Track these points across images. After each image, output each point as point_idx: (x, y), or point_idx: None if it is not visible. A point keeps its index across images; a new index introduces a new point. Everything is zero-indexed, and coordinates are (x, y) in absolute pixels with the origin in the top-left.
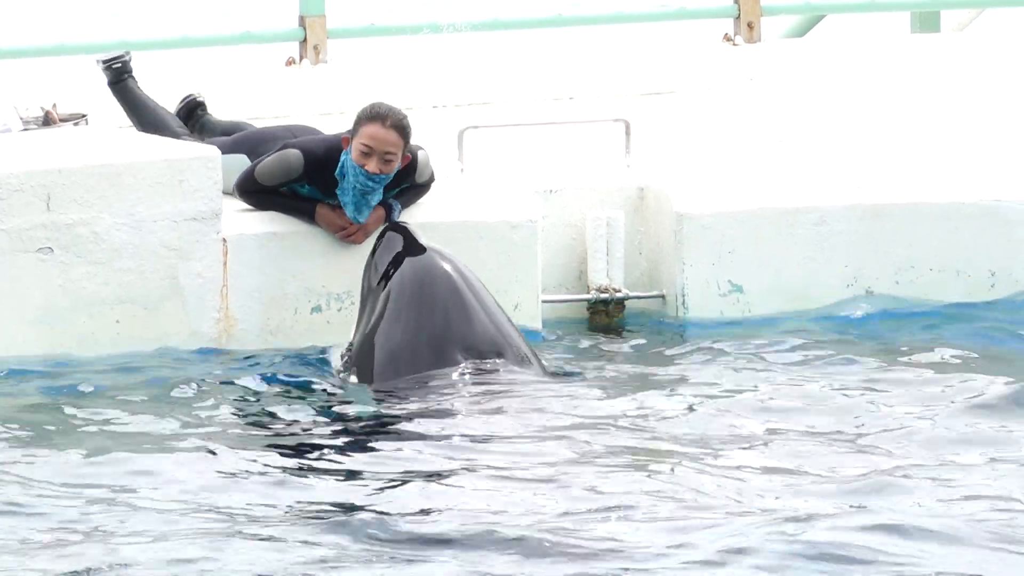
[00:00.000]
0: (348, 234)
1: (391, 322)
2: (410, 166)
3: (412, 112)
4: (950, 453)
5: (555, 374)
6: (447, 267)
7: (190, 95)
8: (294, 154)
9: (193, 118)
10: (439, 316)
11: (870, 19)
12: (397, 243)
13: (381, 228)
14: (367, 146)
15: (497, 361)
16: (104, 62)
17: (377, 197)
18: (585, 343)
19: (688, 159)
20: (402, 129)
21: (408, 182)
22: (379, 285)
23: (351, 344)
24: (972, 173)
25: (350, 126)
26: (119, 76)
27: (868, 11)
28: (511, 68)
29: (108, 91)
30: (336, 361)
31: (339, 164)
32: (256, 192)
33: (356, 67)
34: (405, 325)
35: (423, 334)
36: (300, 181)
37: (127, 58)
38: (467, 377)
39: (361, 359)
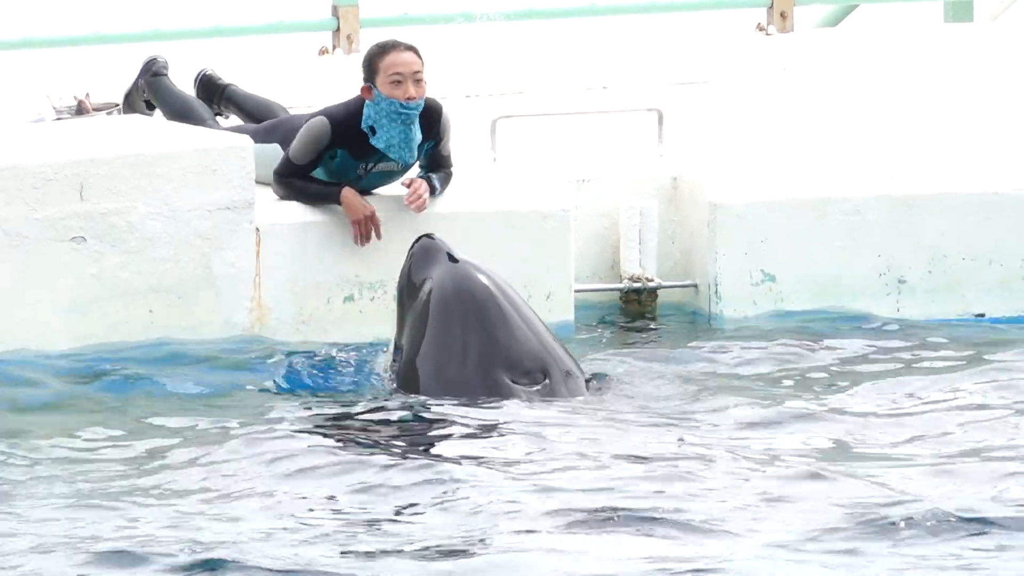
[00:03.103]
0: (361, 230)
1: (434, 342)
2: (434, 114)
3: (446, 101)
4: (992, 445)
5: (598, 387)
6: (486, 283)
7: (200, 72)
8: (318, 120)
9: (214, 91)
10: (482, 334)
11: (903, 8)
12: (431, 258)
13: (414, 240)
14: (397, 74)
15: (542, 379)
16: (142, 73)
17: (417, 132)
18: (618, 333)
19: (721, 149)
20: (416, 49)
21: (435, 132)
22: (417, 300)
23: (395, 348)
24: (1004, 162)
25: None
26: (154, 75)
27: (901, 0)
28: (544, 57)
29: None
30: (382, 365)
31: (363, 118)
32: (290, 176)
33: None
34: (449, 345)
35: (467, 353)
36: (332, 148)
37: (161, 60)
38: (511, 398)
39: (406, 373)
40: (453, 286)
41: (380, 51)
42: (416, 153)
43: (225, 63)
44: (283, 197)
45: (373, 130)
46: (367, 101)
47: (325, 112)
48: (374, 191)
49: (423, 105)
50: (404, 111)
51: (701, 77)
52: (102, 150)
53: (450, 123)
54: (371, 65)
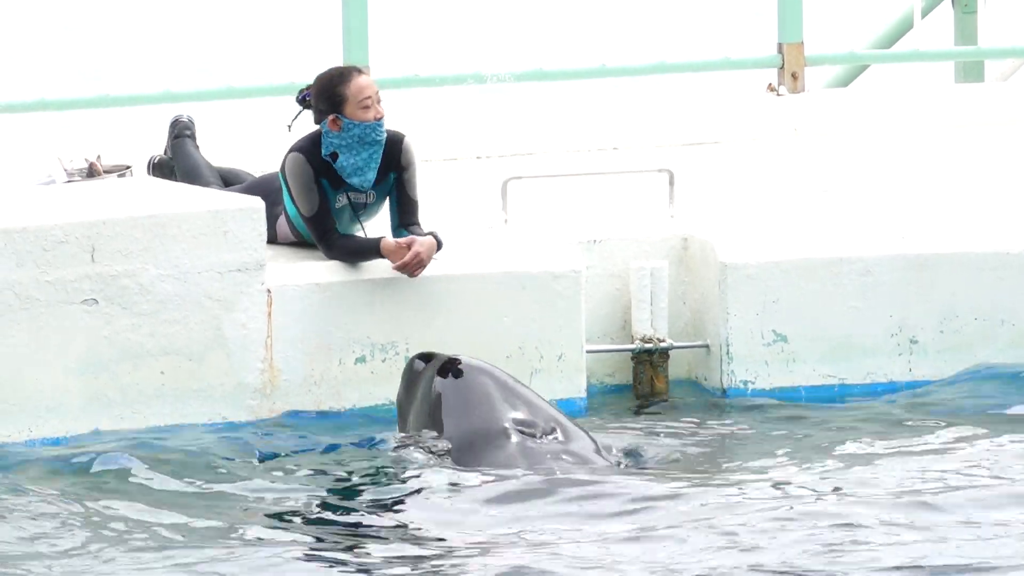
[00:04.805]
0: (405, 265)
1: (447, 423)
2: (396, 143)
3: (456, 162)
4: (1000, 511)
5: (607, 446)
6: (492, 370)
7: (176, 118)
8: (291, 158)
9: (179, 139)
10: (492, 394)
11: (914, 69)
12: (430, 357)
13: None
14: (367, 98)
15: (552, 432)
16: (172, 127)
17: (379, 154)
18: (630, 393)
19: (732, 209)
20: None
21: (396, 163)
22: (421, 385)
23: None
24: (1016, 223)
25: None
26: (176, 137)
27: (912, 61)
28: (555, 118)
29: (152, 143)
30: (392, 434)
31: (323, 147)
32: (325, 232)
33: (399, 117)
34: (461, 422)
35: (478, 411)
36: (316, 178)
37: (185, 119)
38: (524, 457)
39: (416, 432)
40: (459, 361)
41: (341, 79)
42: (374, 176)
43: (236, 123)
44: (331, 258)
45: (335, 156)
46: (329, 132)
47: (292, 148)
48: (363, 225)
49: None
50: (377, 131)
51: (712, 137)
52: (113, 212)
53: (414, 154)
54: (334, 95)
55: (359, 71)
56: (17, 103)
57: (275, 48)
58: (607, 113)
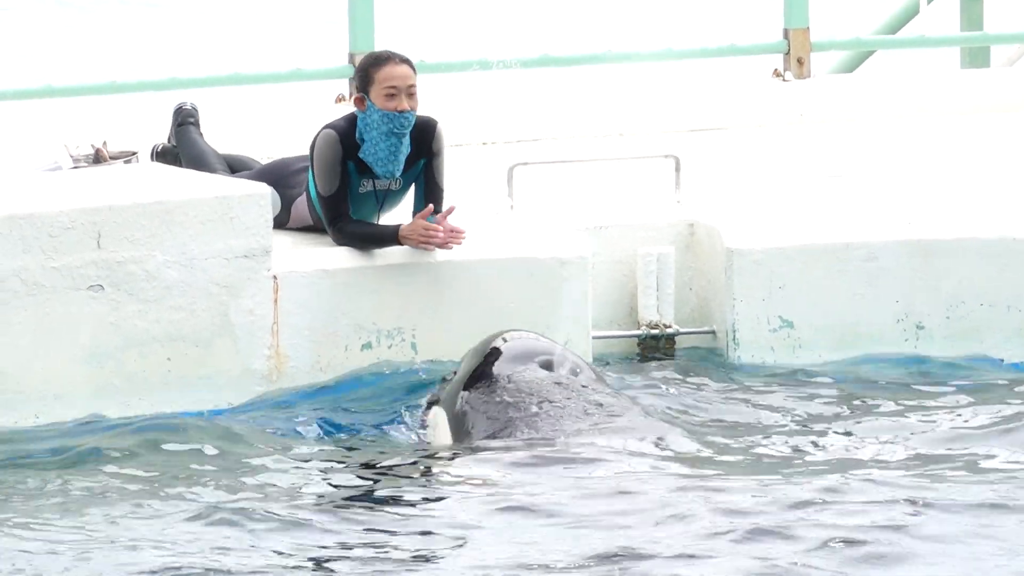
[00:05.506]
0: (430, 238)
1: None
2: (428, 129)
3: (461, 149)
4: (1007, 493)
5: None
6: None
7: (180, 105)
8: (324, 134)
9: (183, 127)
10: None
11: (920, 54)
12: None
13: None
14: (391, 87)
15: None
16: (176, 114)
17: (406, 146)
18: (637, 379)
19: (738, 195)
20: (410, 62)
21: (428, 149)
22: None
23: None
24: (1022, 208)
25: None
26: (180, 125)
27: (918, 46)
28: (561, 105)
29: (158, 129)
30: (410, 414)
31: (357, 129)
32: (338, 216)
33: None
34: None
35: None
36: (344, 160)
37: (188, 107)
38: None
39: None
40: (511, 335)
41: (375, 62)
42: (401, 167)
43: (242, 109)
44: (340, 243)
45: (364, 141)
46: (359, 112)
47: (327, 126)
48: (383, 214)
49: (414, 120)
50: (396, 122)
51: (718, 123)
52: (119, 198)
53: (445, 140)
54: (365, 76)
55: (400, 60)
56: (23, 89)
57: (281, 35)
58: (613, 99)
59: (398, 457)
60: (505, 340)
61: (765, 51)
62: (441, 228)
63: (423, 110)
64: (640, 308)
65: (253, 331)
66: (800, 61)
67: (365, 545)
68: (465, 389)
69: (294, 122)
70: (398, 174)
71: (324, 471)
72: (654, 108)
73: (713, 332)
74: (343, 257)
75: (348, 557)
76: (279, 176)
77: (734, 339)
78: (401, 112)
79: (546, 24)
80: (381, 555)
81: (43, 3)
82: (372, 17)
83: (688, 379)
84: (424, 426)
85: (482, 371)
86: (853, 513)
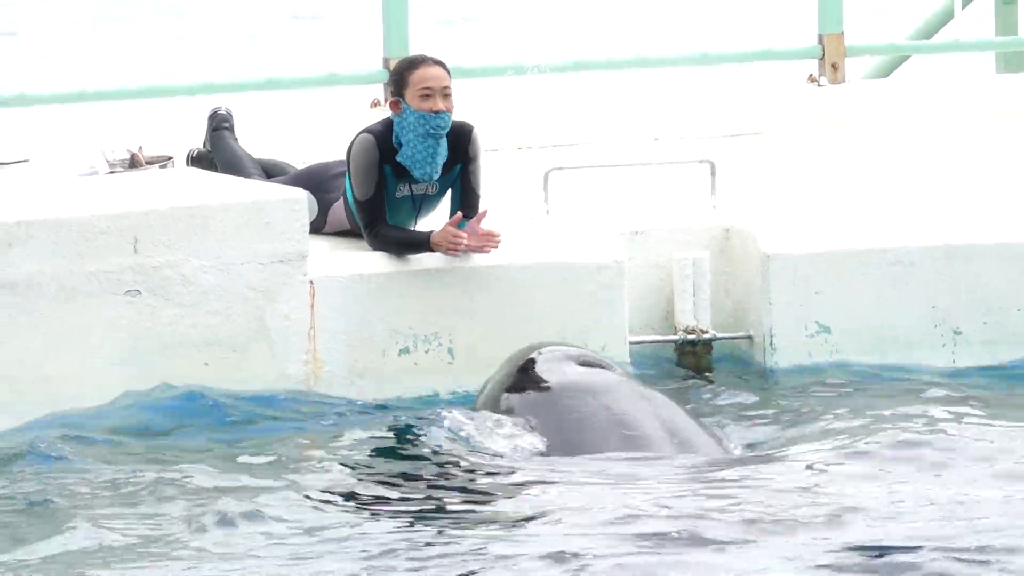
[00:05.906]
0: (457, 245)
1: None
2: (464, 134)
3: (497, 153)
4: None
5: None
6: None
7: (215, 110)
8: (361, 139)
9: (218, 131)
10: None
11: (954, 59)
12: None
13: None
14: (427, 88)
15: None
16: (211, 120)
17: (444, 148)
18: (674, 385)
19: (774, 200)
20: (444, 64)
21: (464, 154)
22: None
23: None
24: None
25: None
26: (215, 130)
27: (952, 51)
28: (596, 110)
29: (193, 134)
30: (451, 420)
31: (394, 133)
32: (374, 221)
33: None
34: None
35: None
36: (381, 164)
37: (223, 112)
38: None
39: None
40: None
41: (410, 65)
42: (439, 170)
43: (277, 114)
44: (375, 248)
45: (401, 144)
46: (395, 116)
47: (364, 130)
48: (420, 219)
49: (450, 121)
50: (432, 123)
51: (753, 128)
52: (155, 203)
53: (480, 146)
54: (400, 79)
55: (434, 63)
56: (59, 94)
57: (315, 40)
58: (648, 104)
59: (435, 464)
60: (541, 352)
61: (800, 56)
62: (465, 235)
63: (458, 115)
64: (676, 313)
65: (289, 336)
66: (835, 66)
67: (402, 551)
68: (504, 397)
69: (329, 127)
70: (436, 177)
71: (361, 477)
72: (689, 113)
73: (750, 337)
74: (379, 262)
75: (384, 565)
76: (316, 181)
77: (771, 344)
78: (437, 112)
79: (581, 28)
80: (418, 561)
81: (78, 8)
82: (406, 22)
83: (725, 384)
84: (462, 432)
85: (519, 381)
86: (892, 519)
